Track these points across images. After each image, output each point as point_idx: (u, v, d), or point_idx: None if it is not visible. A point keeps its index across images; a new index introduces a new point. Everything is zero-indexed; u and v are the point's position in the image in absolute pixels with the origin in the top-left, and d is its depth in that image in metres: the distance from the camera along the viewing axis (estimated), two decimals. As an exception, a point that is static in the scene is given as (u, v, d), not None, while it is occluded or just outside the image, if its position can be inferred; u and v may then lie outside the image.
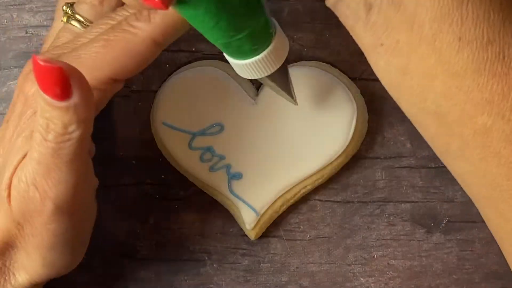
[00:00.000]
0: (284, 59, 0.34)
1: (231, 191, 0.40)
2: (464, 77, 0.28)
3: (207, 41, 0.42)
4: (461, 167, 0.31)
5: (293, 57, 0.41)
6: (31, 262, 0.34)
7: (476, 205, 0.33)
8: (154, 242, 0.42)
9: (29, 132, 0.32)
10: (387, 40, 0.29)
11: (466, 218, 0.41)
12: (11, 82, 0.43)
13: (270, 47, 0.33)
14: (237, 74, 0.41)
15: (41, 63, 0.28)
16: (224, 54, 0.34)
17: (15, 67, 0.43)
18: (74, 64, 0.32)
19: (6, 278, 0.34)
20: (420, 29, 0.28)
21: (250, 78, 0.34)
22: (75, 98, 0.28)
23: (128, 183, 0.42)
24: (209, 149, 0.40)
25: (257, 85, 0.41)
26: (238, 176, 0.40)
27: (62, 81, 0.28)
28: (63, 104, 0.29)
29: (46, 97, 0.28)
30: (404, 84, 0.30)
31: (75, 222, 0.33)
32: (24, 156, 0.32)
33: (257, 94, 0.41)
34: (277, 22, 0.34)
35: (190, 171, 0.40)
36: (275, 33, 0.33)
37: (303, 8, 0.41)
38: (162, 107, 0.40)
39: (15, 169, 0.32)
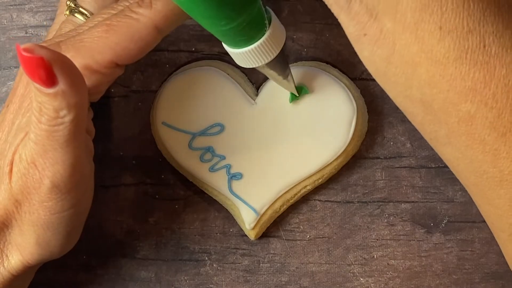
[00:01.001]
0: (281, 47, 0.34)
1: (231, 191, 0.40)
2: (447, 66, 0.28)
3: (207, 41, 0.42)
4: (449, 154, 0.31)
5: (293, 57, 0.41)
6: (25, 240, 0.34)
7: (468, 191, 0.33)
8: (154, 242, 0.42)
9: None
10: (370, 30, 0.29)
11: (466, 218, 0.41)
12: (11, 82, 0.43)
13: (265, 35, 0.33)
14: (237, 74, 0.41)
15: (23, 53, 0.28)
16: (222, 43, 0.34)
17: (15, 67, 0.43)
18: (77, 48, 0.33)
19: None
20: (403, 18, 0.28)
21: (249, 67, 0.35)
22: (61, 85, 0.29)
23: (128, 183, 0.42)
24: (209, 149, 0.40)
25: (257, 85, 0.41)
26: (238, 176, 0.40)
27: (45, 70, 0.28)
28: (50, 90, 0.29)
29: (35, 83, 0.29)
30: (389, 72, 0.30)
31: (72, 202, 0.33)
32: (26, 134, 0.32)
33: (257, 94, 0.41)
34: (272, 11, 0.34)
35: (190, 171, 0.40)
36: (270, 21, 0.33)
37: (303, 8, 0.41)
38: (162, 107, 0.40)
39: (17, 146, 0.33)
